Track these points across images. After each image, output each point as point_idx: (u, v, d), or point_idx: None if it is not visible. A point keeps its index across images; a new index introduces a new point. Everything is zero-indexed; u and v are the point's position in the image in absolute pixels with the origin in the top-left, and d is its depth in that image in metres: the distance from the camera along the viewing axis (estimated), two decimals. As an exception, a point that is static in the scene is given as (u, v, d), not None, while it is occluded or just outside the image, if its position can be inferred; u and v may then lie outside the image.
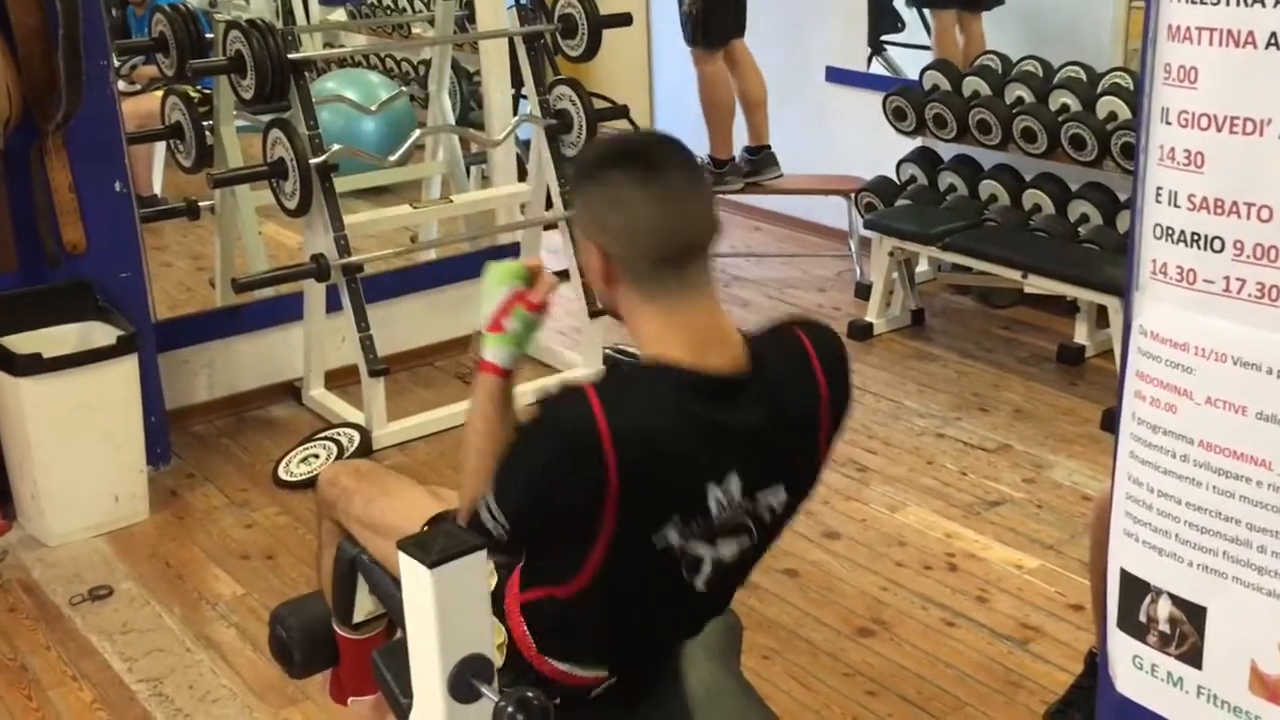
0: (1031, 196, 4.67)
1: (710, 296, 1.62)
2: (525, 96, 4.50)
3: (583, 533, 1.58)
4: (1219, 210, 1.11)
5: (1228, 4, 1.07)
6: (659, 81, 6.60)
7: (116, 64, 3.81)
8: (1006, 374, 4.33)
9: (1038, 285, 4.32)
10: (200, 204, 4.56)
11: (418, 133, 4.56)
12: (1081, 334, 4.35)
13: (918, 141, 5.08)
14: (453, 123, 5.04)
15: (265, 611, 2.57)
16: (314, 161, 3.76)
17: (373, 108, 5.26)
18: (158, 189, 5.86)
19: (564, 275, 4.51)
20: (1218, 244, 1.11)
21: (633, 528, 1.57)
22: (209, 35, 4.33)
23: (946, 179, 4.93)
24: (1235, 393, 1.12)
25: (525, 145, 4.67)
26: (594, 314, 4.30)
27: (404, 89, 5.81)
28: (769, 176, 5.39)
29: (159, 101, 4.55)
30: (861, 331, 4.65)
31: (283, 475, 3.73)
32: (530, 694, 1.50)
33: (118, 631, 3.03)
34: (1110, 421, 3.50)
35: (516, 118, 4.54)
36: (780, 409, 1.64)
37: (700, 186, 1.64)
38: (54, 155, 3.39)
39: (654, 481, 1.56)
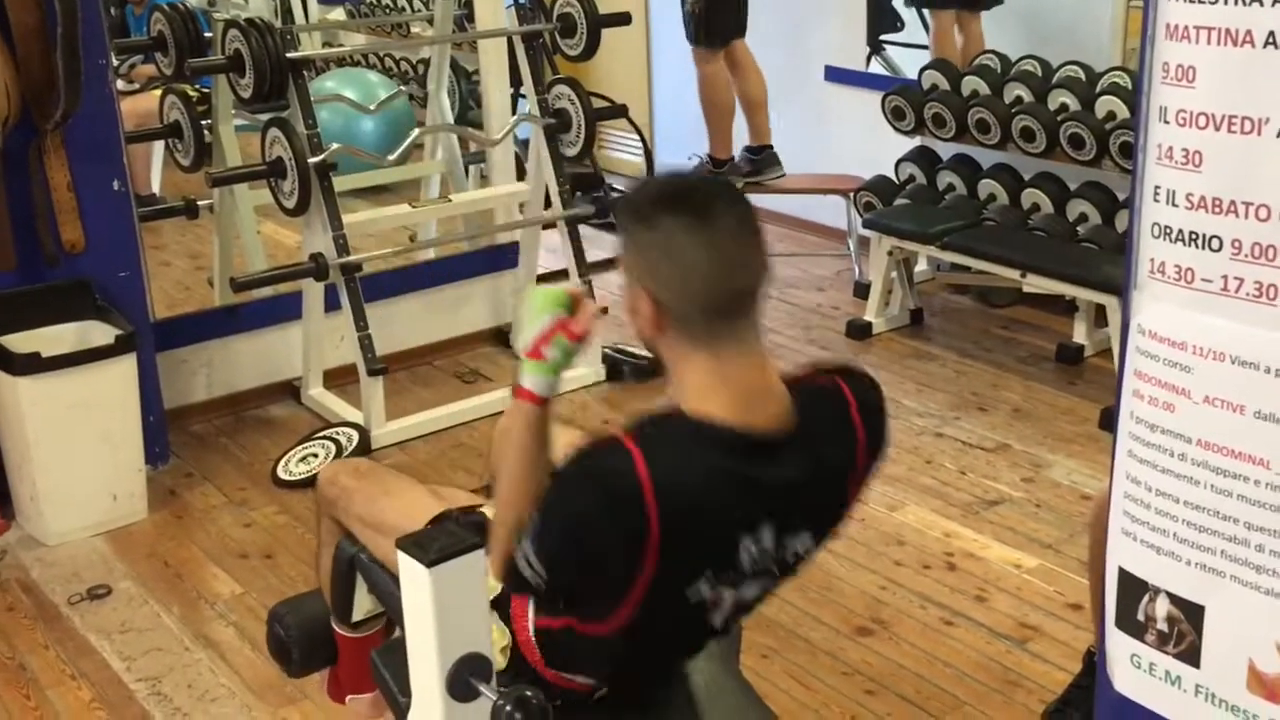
0: (1030, 196, 4.67)
1: (758, 348, 1.60)
2: (524, 96, 4.50)
3: (619, 584, 1.57)
4: (1217, 209, 1.11)
5: (1226, 3, 1.07)
6: (658, 81, 6.60)
7: (115, 63, 3.81)
8: (1005, 373, 4.34)
9: (1036, 284, 4.32)
10: (199, 203, 4.55)
11: (416, 132, 4.57)
12: (1080, 333, 4.35)
13: (916, 141, 5.08)
14: (451, 122, 5.04)
15: (264, 611, 2.57)
16: (312, 160, 3.76)
17: (371, 107, 5.26)
18: (156, 188, 5.86)
19: (563, 274, 4.53)
20: (1216, 243, 1.11)
21: (667, 581, 1.57)
22: (207, 34, 4.33)
23: (945, 178, 4.93)
24: (1233, 392, 1.12)
25: (524, 144, 4.67)
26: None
27: (403, 88, 5.81)
28: (771, 176, 5.39)
29: (157, 100, 4.56)
30: (860, 331, 4.65)
31: (281, 474, 3.73)
32: (529, 693, 1.50)
33: (116, 631, 3.03)
34: (1109, 420, 3.49)
35: (515, 117, 4.54)
36: (818, 465, 1.64)
37: (752, 230, 1.59)
38: (52, 154, 3.39)
39: (691, 537, 1.56)
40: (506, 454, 1.67)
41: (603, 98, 5.07)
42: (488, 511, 2.02)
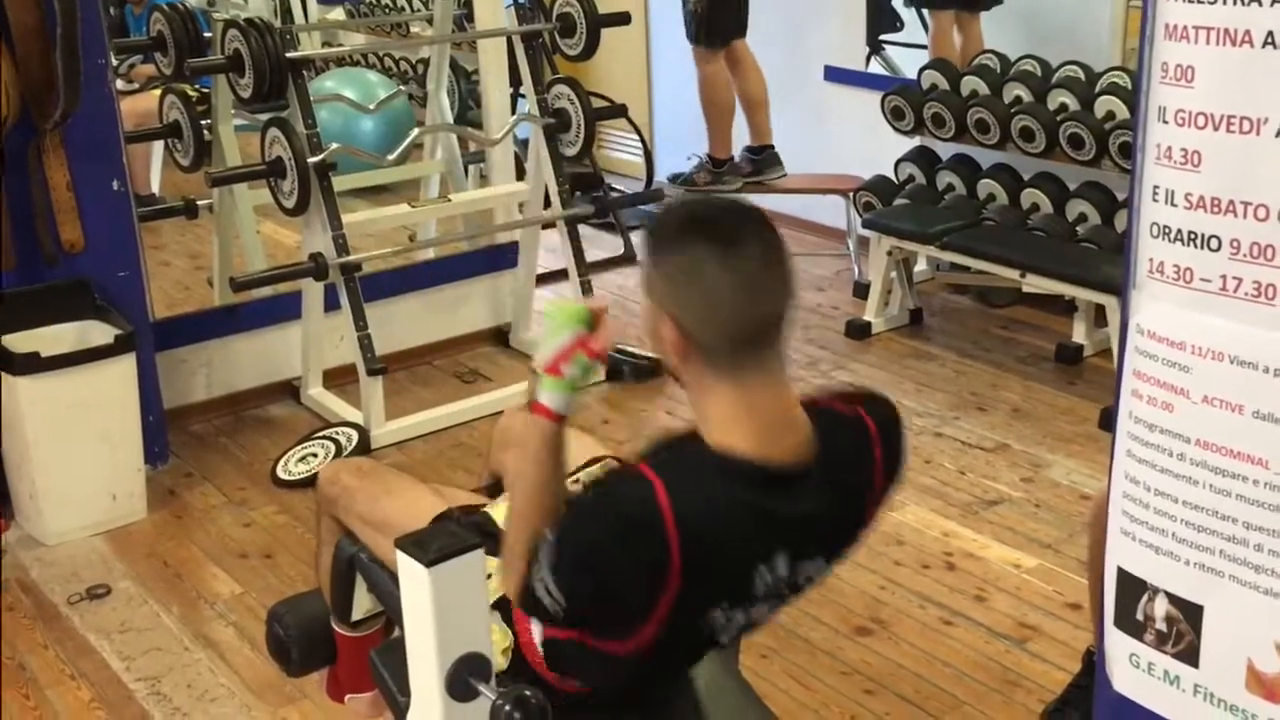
0: (1030, 196, 4.67)
1: (782, 377, 1.60)
2: (523, 95, 4.50)
3: (637, 613, 1.57)
4: (1216, 209, 1.11)
5: (1224, 3, 1.07)
6: (657, 81, 6.60)
7: (114, 63, 3.81)
8: (1005, 373, 4.34)
9: (1036, 284, 4.32)
10: (198, 203, 4.55)
11: (416, 131, 4.57)
12: (1080, 333, 4.35)
13: (916, 141, 5.08)
14: (451, 121, 5.04)
15: (263, 610, 2.57)
16: (312, 160, 3.76)
17: (371, 106, 5.26)
18: (156, 188, 5.86)
19: (562, 274, 4.53)
20: (1214, 243, 1.11)
21: (684, 609, 1.57)
22: (207, 34, 4.33)
23: (945, 178, 4.93)
24: (1232, 391, 1.12)
25: (523, 144, 4.67)
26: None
27: (402, 88, 5.81)
28: (772, 176, 5.39)
29: (157, 100, 4.56)
30: (859, 331, 4.65)
31: (281, 474, 3.73)
32: (528, 692, 1.50)
33: (115, 630, 3.03)
34: (1108, 420, 3.50)
35: (515, 117, 4.54)
36: (836, 496, 1.65)
37: (780, 258, 1.59)
38: (52, 154, 3.39)
39: (710, 568, 1.56)
40: (522, 470, 1.66)
41: (602, 97, 5.07)
42: (491, 511, 2.02)
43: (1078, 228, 4.48)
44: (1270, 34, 1.04)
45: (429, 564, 1.54)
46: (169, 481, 3.73)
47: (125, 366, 3.40)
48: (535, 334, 4.66)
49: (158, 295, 4.15)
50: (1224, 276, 1.11)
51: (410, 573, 1.58)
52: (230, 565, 3.31)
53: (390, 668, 1.92)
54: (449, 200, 4.72)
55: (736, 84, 5.29)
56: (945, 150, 4.98)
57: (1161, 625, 1.21)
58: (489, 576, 1.84)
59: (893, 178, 5.09)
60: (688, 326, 1.54)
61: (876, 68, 5.56)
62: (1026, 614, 2.99)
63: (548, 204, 4.41)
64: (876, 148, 5.18)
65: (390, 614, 2.15)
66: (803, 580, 1.67)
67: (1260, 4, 1.05)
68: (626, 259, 5.56)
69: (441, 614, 1.55)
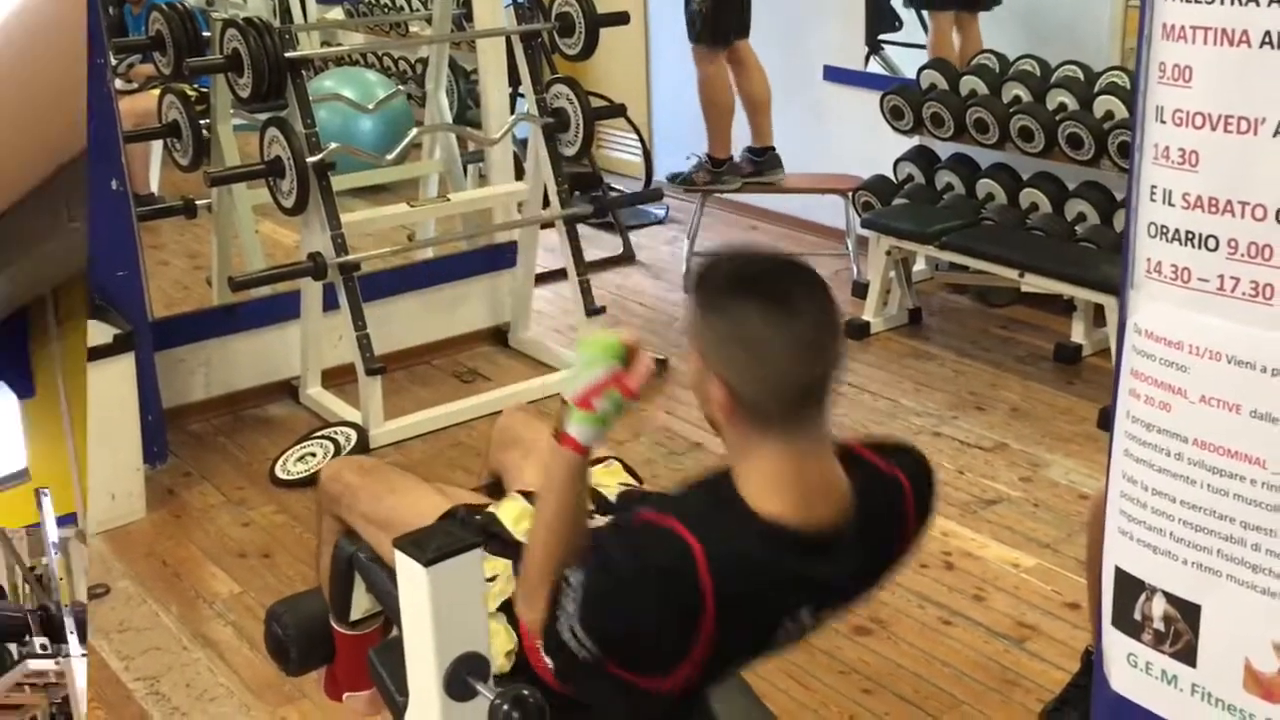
0: (1029, 195, 4.67)
1: (826, 439, 1.59)
2: (522, 95, 4.50)
3: (667, 666, 1.56)
4: (1213, 209, 1.11)
5: (1222, 3, 1.07)
6: (657, 80, 6.60)
7: (113, 62, 3.81)
8: (1003, 373, 4.34)
9: (1035, 284, 4.32)
10: (197, 202, 4.55)
11: (415, 131, 4.57)
12: (1078, 333, 4.35)
13: (915, 140, 5.08)
14: (450, 121, 5.04)
15: (262, 610, 2.57)
16: (311, 160, 3.76)
17: (370, 106, 5.26)
18: (155, 187, 5.87)
19: (561, 274, 4.53)
20: (1212, 242, 1.11)
21: (710, 663, 1.57)
22: (206, 33, 4.33)
23: (944, 178, 4.93)
24: (1229, 391, 1.12)
25: (522, 144, 4.67)
26: (591, 313, 4.31)
27: (401, 87, 5.81)
28: (773, 178, 5.39)
29: (156, 100, 4.56)
30: (858, 330, 4.65)
31: (280, 474, 3.73)
32: (526, 692, 1.50)
33: (114, 630, 3.03)
34: (1107, 420, 3.51)
35: (514, 116, 4.54)
36: (869, 555, 1.67)
37: (831, 317, 1.56)
38: (51, 153, 3.38)
39: (741, 629, 1.57)
40: (545, 500, 1.65)
41: (601, 97, 5.07)
42: (495, 511, 2.02)
43: (1076, 227, 4.48)
44: (1268, 34, 1.04)
45: (427, 563, 1.54)
46: (168, 481, 3.73)
47: (124, 366, 3.41)
48: (534, 334, 4.66)
49: (156, 295, 4.15)
50: (1222, 276, 1.11)
51: (409, 572, 1.58)
52: (229, 565, 3.31)
53: (389, 667, 1.92)
54: (448, 200, 4.72)
55: (740, 85, 5.28)
56: (944, 150, 4.98)
57: (1159, 625, 1.21)
58: (493, 579, 1.84)
59: (892, 177, 5.09)
60: (737, 388, 1.52)
61: (876, 67, 5.56)
62: (1025, 613, 2.99)
63: (547, 203, 4.41)
64: (875, 147, 5.18)
65: (389, 613, 2.16)
66: (822, 624, 1.69)
67: (1258, 4, 1.05)
68: (625, 258, 5.56)
69: (440, 613, 1.55)
